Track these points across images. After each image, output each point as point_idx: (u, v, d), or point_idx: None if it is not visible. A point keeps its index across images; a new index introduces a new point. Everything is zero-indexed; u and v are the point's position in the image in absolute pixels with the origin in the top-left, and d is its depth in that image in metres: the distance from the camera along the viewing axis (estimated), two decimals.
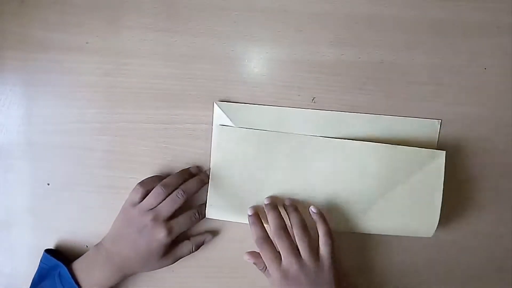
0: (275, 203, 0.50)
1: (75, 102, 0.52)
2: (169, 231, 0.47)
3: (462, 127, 0.52)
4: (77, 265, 0.48)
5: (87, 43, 0.51)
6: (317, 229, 0.48)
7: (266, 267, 0.48)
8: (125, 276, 0.48)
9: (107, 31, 0.51)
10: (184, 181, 0.49)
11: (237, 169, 0.50)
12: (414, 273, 0.54)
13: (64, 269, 0.47)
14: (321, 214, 0.49)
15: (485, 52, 0.51)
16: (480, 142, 0.52)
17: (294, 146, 0.50)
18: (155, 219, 0.47)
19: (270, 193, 0.50)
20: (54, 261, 0.49)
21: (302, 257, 0.46)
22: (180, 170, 0.51)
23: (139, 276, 0.53)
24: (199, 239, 0.51)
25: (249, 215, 0.49)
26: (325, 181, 0.50)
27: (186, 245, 0.50)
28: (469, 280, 0.54)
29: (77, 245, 0.53)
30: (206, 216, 0.50)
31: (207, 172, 0.50)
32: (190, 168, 0.51)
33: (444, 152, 0.50)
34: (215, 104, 0.51)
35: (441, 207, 0.49)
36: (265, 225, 0.49)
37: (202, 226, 0.52)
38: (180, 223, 0.48)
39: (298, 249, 0.46)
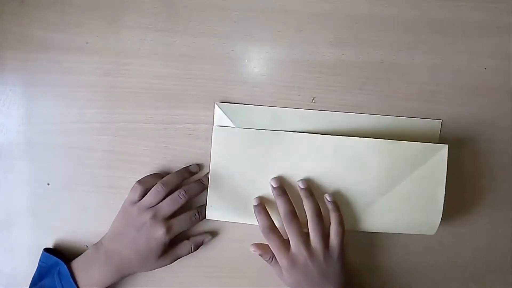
0: (283, 187, 0.49)
1: (75, 102, 0.52)
2: (168, 229, 0.47)
3: (462, 127, 0.52)
4: (76, 264, 0.48)
5: (87, 43, 0.51)
6: (329, 218, 0.47)
7: (272, 258, 0.48)
8: (124, 276, 0.48)
9: (107, 31, 0.51)
10: (184, 179, 0.50)
11: (237, 170, 0.50)
12: (414, 273, 0.54)
13: (63, 266, 0.47)
14: (335, 203, 0.48)
15: (485, 52, 0.51)
16: (480, 142, 0.52)
17: (294, 144, 0.50)
18: (154, 217, 0.46)
19: (269, 194, 0.50)
20: (53, 259, 0.49)
21: (312, 245, 0.46)
22: (179, 168, 0.51)
23: (138, 276, 0.53)
24: (198, 239, 0.51)
25: (255, 205, 0.49)
26: (326, 179, 0.50)
27: (185, 245, 0.50)
28: (469, 280, 0.54)
29: (77, 245, 0.52)
30: (206, 217, 0.50)
31: (207, 175, 0.50)
32: (189, 167, 0.51)
33: (447, 145, 0.49)
34: (215, 105, 0.51)
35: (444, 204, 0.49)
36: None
37: (202, 226, 0.52)
38: (180, 222, 0.48)
39: (308, 237, 0.46)
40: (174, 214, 0.48)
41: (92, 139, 0.52)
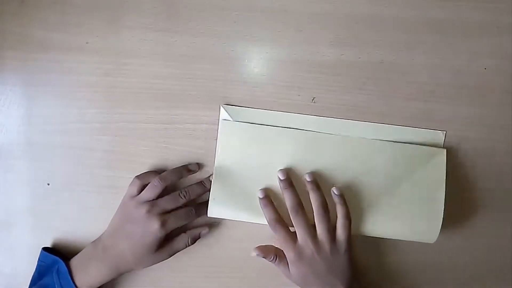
0: (290, 179, 0.49)
1: (75, 102, 0.52)
2: (163, 224, 0.46)
3: (462, 127, 0.51)
4: (74, 262, 0.48)
5: (87, 43, 0.51)
6: (335, 211, 0.47)
7: (276, 258, 0.47)
8: (121, 272, 0.48)
9: (107, 31, 0.51)
10: (182, 177, 0.50)
11: (242, 164, 0.50)
12: (415, 272, 0.54)
13: (62, 265, 0.47)
14: (342, 196, 0.48)
15: (485, 52, 0.51)
16: (480, 142, 0.52)
17: (298, 142, 0.50)
18: (150, 211, 0.46)
19: (274, 189, 0.50)
20: (52, 257, 0.49)
21: (319, 238, 0.46)
22: (178, 166, 0.51)
23: (138, 276, 0.53)
24: (195, 232, 0.50)
25: (260, 198, 0.49)
26: (329, 177, 0.50)
27: (182, 239, 0.49)
28: (469, 280, 0.54)
29: (77, 245, 0.52)
30: (208, 215, 0.50)
31: (210, 178, 0.50)
32: (189, 165, 0.51)
33: (445, 150, 0.50)
34: (221, 107, 0.51)
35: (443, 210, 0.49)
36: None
37: (201, 223, 0.52)
38: (176, 218, 0.48)
39: (315, 229, 0.46)
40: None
41: (92, 139, 0.52)
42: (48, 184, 0.53)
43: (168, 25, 0.51)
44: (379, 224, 0.50)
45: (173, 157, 0.52)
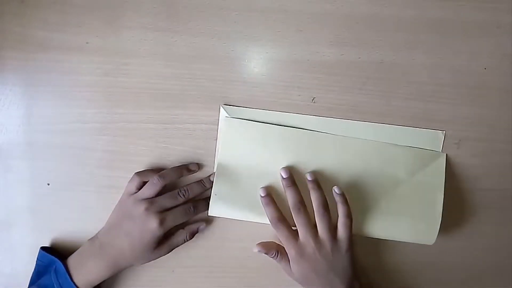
0: (293, 178, 0.49)
1: (75, 102, 0.52)
2: (161, 222, 0.46)
3: (462, 127, 0.52)
4: (72, 260, 0.48)
5: (87, 43, 0.51)
6: (337, 210, 0.47)
7: (278, 254, 0.48)
8: (120, 268, 0.48)
9: (107, 31, 0.51)
10: (181, 176, 0.50)
11: (244, 162, 0.50)
12: (415, 272, 0.54)
13: (59, 264, 0.47)
14: (343, 195, 0.48)
15: (485, 52, 0.51)
16: (480, 142, 0.52)
17: (300, 141, 0.50)
18: (148, 208, 0.46)
19: (276, 187, 0.50)
20: (49, 257, 0.49)
21: (320, 236, 0.46)
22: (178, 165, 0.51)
23: (138, 276, 0.53)
24: (193, 227, 0.51)
25: (262, 196, 0.49)
26: (329, 177, 0.50)
27: (180, 234, 0.50)
28: (469, 280, 0.54)
29: (77, 245, 0.52)
30: (209, 214, 0.50)
31: (210, 178, 0.51)
32: (189, 165, 0.51)
33: (445, 154, 0.50)
34: (221, 107, 0.51)
35: (442, 212, 0.49)
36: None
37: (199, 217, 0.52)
38: (174, 215, 0.48)
39: (316, 228, 0.46)
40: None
41: (92, 139, 0.52)
42: (48, 184, 0.53)
43: (168, 25, 0.51)
44: (378, 225, 0.50)
45: (173, 157, 0.52)
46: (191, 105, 0.51)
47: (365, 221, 0.50)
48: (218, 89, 0.51)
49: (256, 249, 0.49)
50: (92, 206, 0.52)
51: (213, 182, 0.50)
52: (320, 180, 0.49)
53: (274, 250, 0.48)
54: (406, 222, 0.50)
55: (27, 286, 0.49)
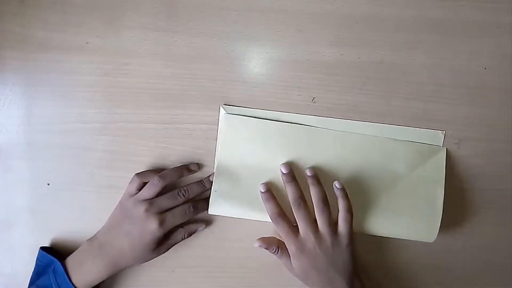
0: (293, 173, 0.49)
1: (75, 102, 0.52)
2: (161, 223, 0.46)
3: (462, 127, 0.52)
4: (70, 260, 0.48)
5: (87, 43, 0.51)
6: (337, 205, 0.47)
7: (278, 250, 0.48)
8: (119, 269, 0.48)
9: (107, 31, 0.51)
10: (181, 176, 0.50)
11: (243, 159, 0.50)
12: (415, 272, 0.54)
13: (58, 264, 0.47)
14: (344, 190, 0.48)
15: (485, 52, 0.51)
16: (480, 142, 0.52)
17: (299, 137, 0.50)
18: (148, 210, 0.46)
19: (276, 183, 0.50)
20: (48, 257, 0.49)
21: (320, 231, 0.46)
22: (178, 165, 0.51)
23: (138, 276, 0.53)
24: (192, 227, 0.51)
25: (262, 192, 0.49)
26: (329, 173, 0.50)
27: (179, 233, 0.50)
28: (469, 280, 0.54)
29: (77, 245, 0.52)
30: (209, 212, 0.50)
31: (210, 178, 0.51)
32: (189, 165, 0.51)
33: (445, 148, 0.50)
34: (221, 107, 0.51)
35: (443, 210, 0.49)
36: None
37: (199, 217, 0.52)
38: (174, 216, 0.48)
39: (316, 223, 0.46)
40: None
41: (92, 139, 0.52)
42: (48, 184, 0.53)
43: (168, 25, 0.51)
44: (378, 222, 0.50)
45: (173, 157, 0.52)
46: (191, 105, 0.51)
47: (365, 218, 0.50)
48: (218, 89, 0.51)
49: (256, 244, 0.49)
50: (92, 206, 0.52)
51: (212, 182, 0.50)
52: (320, 176, 0.49)
53: (275, 245, 0.48)
54: (407, 218, 0.50)
55: (27, 286, 0.49)
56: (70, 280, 0.46)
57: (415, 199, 0.50)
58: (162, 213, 0.47)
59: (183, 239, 0.50)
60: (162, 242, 0.48)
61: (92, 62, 0.51)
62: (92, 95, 0.51)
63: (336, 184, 0.48)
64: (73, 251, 0.49)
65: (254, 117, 0.50)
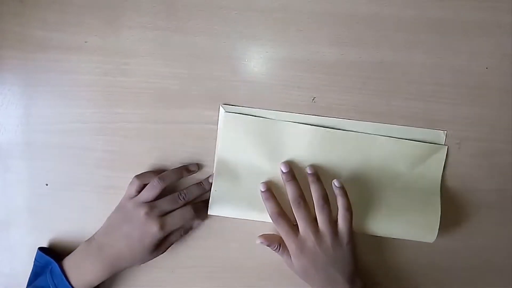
0: (293, 172, 0.49)
1: (74, 102, 0.51)
2: (162, 226, 0.46)
3: (462, 127, 0.51)
4: (68, 261, 0.48)
5: (86, 42, 0.51)
6: (337, 205, 0.47)
7: (280, 247, 0.48)
8: (117, 270, 0.48)
9: (106, 31, 0.50)
10: (181, 177, 0.50)
11: (243, 158, 0.50)
12: (415, 273, 0.54)
13: (55, 265, 0.47)
14: (343, 188, 0.48)
15: (485, 52, 0.51)
16: (480, 142, 0.52)
17: (299, 136, 0.50)
18: (149, 213, 0.46)
19: (276, 182, 0.50)
20: (46, 258, 0.49)
21: (320, 229, 0.46)
22: (178, 166, 0.51)
23: (138, 276, 0.53)
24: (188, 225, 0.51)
25: (262, 191, 0.49)
26: (329, 171, 0.50)
27: (176, 233, 0.50)
28: (469, 280, 0.54)
29: (76, 245, 0.52)
30: (209, 213, 0.50)
31: (209, 179, 0.51)
32: (189, 166, 0.51)
33: (446, 146, 0.50)
34: (220, 107, 0.51)
35: (442, 208, 0.49)
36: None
37: (202, 225, 0.52)
38: (174, 219, 0.48)
39: (316, 222, 0.46)
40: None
41: (91, 139, 0.52)
42: (47, 184, 0.52)
43: (167, 25, 0.50)
44: (378, 221, 0.50)
45: (173, 157, 0.52)
46: (191, 104, 0.51)
47: (365, 217, 0.50)
48: (217, 88, 0.51)
49: (258, 241, 0.49)
50: (92, 206, 0.52)
51: (212, 183, 0.50)
52: (320, 174, 0.49)
53: (277, 242, 0.48)
54: (407, 217, 0.50)
55: (25, 286, 0.49)
56: (69, 281, 0.46)
57: (414, 199, 0.50)
58: (162, 216, 0.47)
59: (181, 237, 0.50)
60: (161, 243, 0.48)
61: (92, 61, 0.51)
62: (91, 94, 0.51)
63: (335, 182, 0.48)
64: (72, 251, 0.49)
65: (254, 116, 0.50)
